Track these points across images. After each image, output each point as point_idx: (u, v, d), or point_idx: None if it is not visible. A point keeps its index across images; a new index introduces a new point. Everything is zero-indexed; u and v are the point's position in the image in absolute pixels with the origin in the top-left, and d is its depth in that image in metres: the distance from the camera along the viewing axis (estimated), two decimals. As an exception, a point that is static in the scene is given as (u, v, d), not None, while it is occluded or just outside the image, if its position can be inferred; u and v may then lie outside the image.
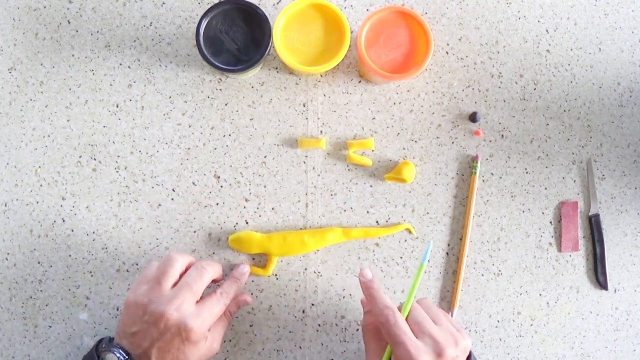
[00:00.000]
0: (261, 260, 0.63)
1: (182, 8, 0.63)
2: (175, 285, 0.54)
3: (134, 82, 0.63)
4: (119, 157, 0.62)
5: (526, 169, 0.64)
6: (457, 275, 0.63)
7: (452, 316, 0.62)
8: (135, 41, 0.63)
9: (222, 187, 0.63)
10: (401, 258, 0.63)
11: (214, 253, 0.62)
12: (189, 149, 0.63)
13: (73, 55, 0.63)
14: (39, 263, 0.62)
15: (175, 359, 0.52)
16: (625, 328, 0.64)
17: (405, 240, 0.63)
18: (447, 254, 0.63)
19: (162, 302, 0.52)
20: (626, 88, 0.65)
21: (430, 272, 0.63)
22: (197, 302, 0.53)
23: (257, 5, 0.57)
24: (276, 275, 0.62)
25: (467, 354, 0.53)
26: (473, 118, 0.63)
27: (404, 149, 0.63)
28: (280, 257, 0.62)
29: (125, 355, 0.52)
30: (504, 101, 0.64)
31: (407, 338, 0.51)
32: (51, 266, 0.62)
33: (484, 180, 0.63)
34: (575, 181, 0.64)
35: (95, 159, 0.63)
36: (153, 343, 0.51)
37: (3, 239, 0.62)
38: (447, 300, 0.63)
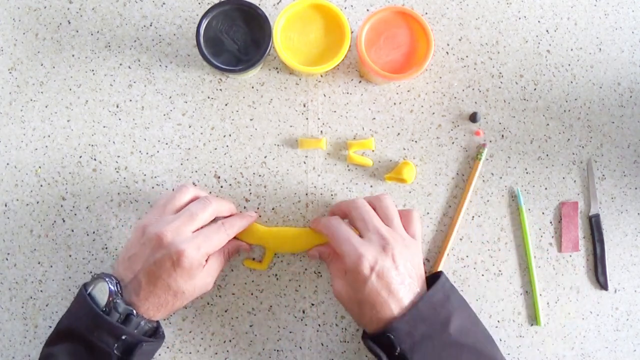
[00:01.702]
0: (255, 257, 0.63)
1: (182, 8, 0.63)
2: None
3: (134, 82, 0.63)
4: (119, 157, 0.62)
5: (526, 169, 0.64)
6: (444, 244, 0.63)
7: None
8: (135, 41, 0.63)
9: (222, 187, 0.63)
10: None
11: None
12: (189, 149, 0.63)
13: (73, 55, 0.63)
14: (39, 263, 0.62)
15: (165, 286, 0.52)
16: (625, 328, 0.64)
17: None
18: (447, 254, 0.63)
19: (160, 224, 0.53)
20: (626, 88, 0.65)
21: (429, 272, 0.63)
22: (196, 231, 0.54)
23: (257, 5, 0.57)
24: (276, 275, 0.62)
25: (420, 265, 0.54)
26: (473, 118, 0.63)
27: (404, 149, 0.63)
28: (277, 252, 0.62)
29: (116, 280, 0.52)
30: (504, 101, 0.64)
31: (349, 235, 0.53)
32: (51, 266, 0.62)
33: (483, 181, 0.63)
34: (575, 181, 0.64)
35: (95, 159, 0.63)
36: (145, 265, 0.52)
37: (3, 239, 0.62)
38: (447, 300, 0.63)
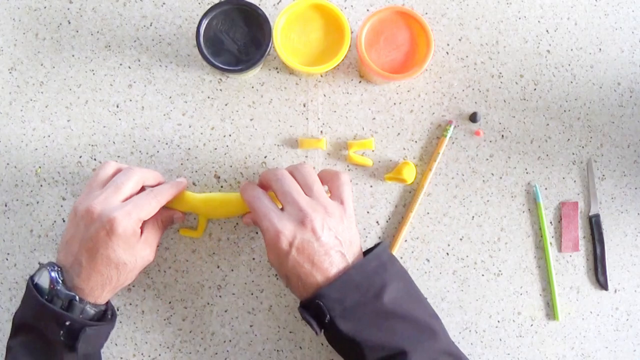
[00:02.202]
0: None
1: (182, 8, 0.63)
2: None
3: (134, 82, 0.63)
4: (119, 157, 0.62)
5: (526, 169, 0.64)
6: (403, 220, 0.63)
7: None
8: (135, 41, 0.63)
9: (222, 187, 0.63)
10: (401, 258, 0.63)
11: None
12: (189, 149, 0.63)
13: (73, 55, 0.63)
14: (39, 263, 0.62)
15: (105, 258, 0.52)
16: (625, 328, 0.64)
17: (405, 240, 0.63)
18: (447, 253, 0.63)
19: (87, 199, 0.53)
20: (626, 88, 0.65)
21: (430, 272, 0.63)
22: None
23: (257, 5, 0.57)
24: (276, 275, 0.62)
25: (348, 231, 0.53)
26: (473, 118, 0.63)
27: (404, 149, 0.63)
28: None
29: (57, 267, 0.52)
30: (504, 101, 0.64)
31: (268, 210, 0.52)
32: (51, 266, 0.62)
33: (483, 180, 0.63)
34: (575, 181, 0.64)
35: (95, 159, 0.62)
36: (81, 244, 0.52)
37: (3, 239, 0.62)
38: (448, 301, 0.63)
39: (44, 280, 0.52)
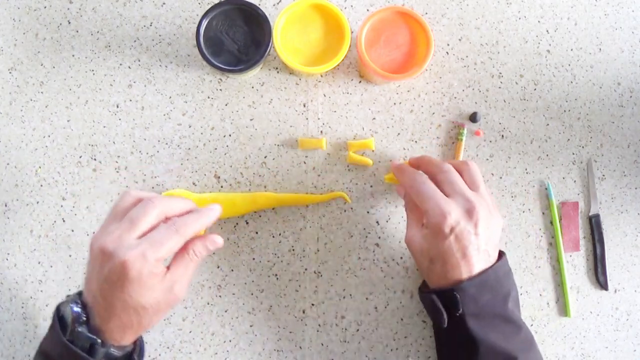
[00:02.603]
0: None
1: (182, 8, 0.63)
2: None
3: (134, 82, 0.63)
4: (119, 157, 0.62)
5: (526, 169, 0.64)
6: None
7: None
8: (135, 41, 0.63)
9: (222, 187, 0.63)
10: (401, 258, 0.63)
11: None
12: (189, 149, 0.63)
13: (73, 55, 0.63)
14: (39, 263, 0.62)
15: (122, 303, 0.47)
16: (625, 328, 0.64)
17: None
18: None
19: (102, 236, 0.47)
20: (626, 88, 0.65)
21: (430, 272, 0.63)
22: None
23: (257, 5, 0.57)
24: (276, 275, 0.62)
25: (497, 234, 0.54)
26: (473, 118, 0.63)
27: (404, 149, 0.63)
28: None
29: (80, 305, 0.48)
30: (504, 101, 0.64)
31: (435, 193, 0.53)
32: (51, 266, 0.62)
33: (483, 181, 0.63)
34: (575, 181, 0.64)
35: (95, 159, 0.63)
36: (98, 285, 0.47)
37: (3, 239, 0.62)
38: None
39: (67, 315, 0.48)
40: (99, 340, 0.48)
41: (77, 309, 0.48)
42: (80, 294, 0.50)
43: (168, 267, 0.49)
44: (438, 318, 0.52)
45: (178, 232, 0.48)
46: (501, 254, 0.56)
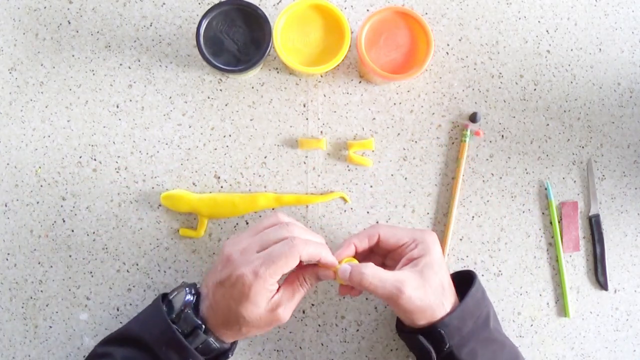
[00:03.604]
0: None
1: (182, 8, 0.63)
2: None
3: (134, 82, 0.63)
4: (119, 157, 0.62)
5: (526, 169, 0.64)
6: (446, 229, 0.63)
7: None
8: (135, 41, 0.63)
9: (222, 187, 0.63)
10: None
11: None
12: (189, 149, 0.63)
13: (73, 55, 0.63)
14: (39, 263, 0.62)
15: (227, 306, 0.50)
16: (625, 328, 0.64)
17: (405, 240, 0.63)
18: (447, 253, 0.63)
19: (233, 244, 0.51)
20: (626, 88, 0.65)
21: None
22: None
23: (257, 5, 0.57)
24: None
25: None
26: (473, 118, 0.63)
27: (404, 149, 0.63)
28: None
29: (195, 291, 0.52)
30: (504, 101, 0.64)
31: (398, 230, 0.55)
32: (51, 266, 0.62)
33: (483, 181, 0.63)
34: (575, 181, 0.64)
35: (95, 159, 0.63)
36: (214, 283, 0.51)
37: (3, 239, 0.62)
38: (447, 300, 0.63)
39: (178, 299, 0.52)
40: (203, 326, 0.51)
41: (190, 297, 0.52)
42: (194, 285, 0.53)
43: (279, 287, 0.51)
44: (425, 356, 0.52)
45: (294, 248, 0.49)
46: (473, 275, 0.55)
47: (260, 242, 0.50)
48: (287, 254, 0.49)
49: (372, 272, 0.50)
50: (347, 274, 0.51)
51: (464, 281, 0.55)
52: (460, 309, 0.51)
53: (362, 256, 0.55)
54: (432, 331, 0.51)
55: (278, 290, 0.51)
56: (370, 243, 0.54)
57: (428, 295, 0.50)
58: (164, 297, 0.53)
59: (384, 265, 0.55)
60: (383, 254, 0.56)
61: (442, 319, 0.51)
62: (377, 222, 0.59)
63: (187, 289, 0.52)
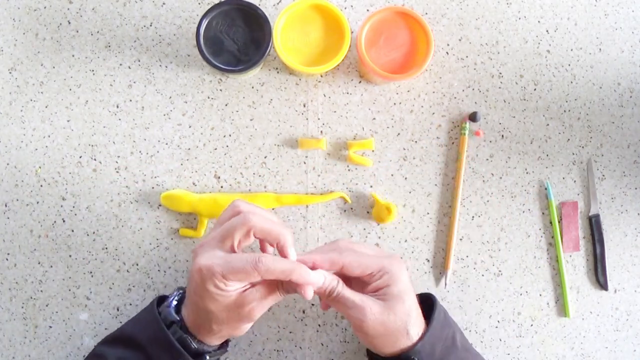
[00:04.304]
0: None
1: (182, 8, 0.63)
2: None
3: (134, 82, 0.63)
4: (119, 157, 0.62)
5: (526, 169, 0.64)
6: (449, 240, 0.63)
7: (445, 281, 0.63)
8: (135, 41, 0.63)
9: (222, 187, 0.63)
10: (401, 258, 0.63)
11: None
12: (189, 149, 0.63)
13: (73, 55, 0.63)
14: (39, 263, 0.62)
15: (196, 302, 0.49)
16: (625, 328, 0.64)
17: (406, 241, 0.63)
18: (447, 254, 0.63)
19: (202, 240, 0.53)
20: (626, 88, 0.65)
21: (430, 272, 0.63)
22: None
23: (257, 5, 0.57)
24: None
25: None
26: (473, 118, 0.63)
27: (404, 149, 0.63)
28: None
29: (180, 294, 0.53)
30: (504, 101, 0.64)
31: (363, 256, 0.52)
32: (51, 266, 0.62)
33: (483, 181, 0.63)
34: (575, 181, 0.64)
35: (95, 159, 0.63)
36: (188, 281, 0.51)
37: (3, 239, 0.62)
38: (448, 301, 0.63)
39: (167, 311, 0.52)
40: (180, 323, 0.51)
41: (174, 300, 0.52)
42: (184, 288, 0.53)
43: (253, 285, 0.49)
44: None
45: (256, 269, 0.47)
46: (430, 297, 0.55)
47: (222, 238, 0.49)
48: (235, 227, 0.48)
49: (341, 288, 0.50)
50: (319, 282, 0.50)
51: (424, 304, 0.54)
52: (429, 334, 0.51)
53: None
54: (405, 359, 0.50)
55: (253, 286, 0.49)
56: (332, 269, 0.51)
57: (391, 322, 0.50)
58: (161, 300, 0.54)
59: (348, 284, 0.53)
60: (347, 278, 0.52)
61: (414, 345, 0.50)
62: (339, 240, 0.53)
63: (177, 291, 0.53)
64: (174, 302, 0.52)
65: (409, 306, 0.51)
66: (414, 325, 0.51)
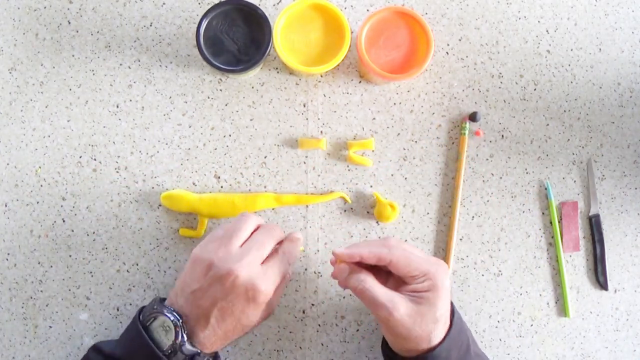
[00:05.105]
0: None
1: (182, 8, 0.63)
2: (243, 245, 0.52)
3: (134, 82, 0.63)
4: (119, 157, 0.62)
5: (526, 169, 0.64)
6: (449, 240, 0.63)
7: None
8: (135, 41, 0.63)
9: (222, 187, 0.63)
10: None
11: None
12: (189, 149, 0.63)
13: (73, 55, 0.63)
14: (39, 263, 0.62)
15: (236, 320, 0.50)
16: (625, 328, 0.64)
17: (406, 241, 0.63)
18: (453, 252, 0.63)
19: (229, 260, 0.49)
20: (626, 88, 0.65)
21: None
22: (263, 262, 0.51)
23: (257, 5, 0.57)
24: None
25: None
26: (473, 118, 0.63)
27: (404, 149, 0.63)
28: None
29: (178, 317, 0.49)
30: (504, 101, 0.64)
31: (412, 255, 0.52)
32: (51, 266, 0.62)
33: (483, 181, 0.63)
34: (575, 181, 0.64)
35: (95, 159, 0.63)
36: (215, 302, 0.49)
37: (3, 239, 0.62)
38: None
39: (161, 328, 0.49)
40: (200, 351, 0.50)
41: (177, 325, 0.49)
42: (164, 306, 0.50)
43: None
44: None
45: (288, 261, 0.53)
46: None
47: (261, 252, 0.51)
48: (285, 267, 0.52)
49: (370, 285, 0.51)
50: (344, 274, 0.52)
51: None
52: (448, 340, 0.51)
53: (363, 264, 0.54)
54: None
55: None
56: (378, 263, 0.52)
57: (416, 326, 0.50)
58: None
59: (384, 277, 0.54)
60: (387, 270, 0.54)
61: (431, 349, 0.50)
62: (390, 237, 0.55)
63: (168, 315, 0.49)
64: (184, 337, 0.49)
65: (440, 316, 0.50)
66: (439, 330, 0.51)
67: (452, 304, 0.55)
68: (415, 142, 0.63)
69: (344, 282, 0.52)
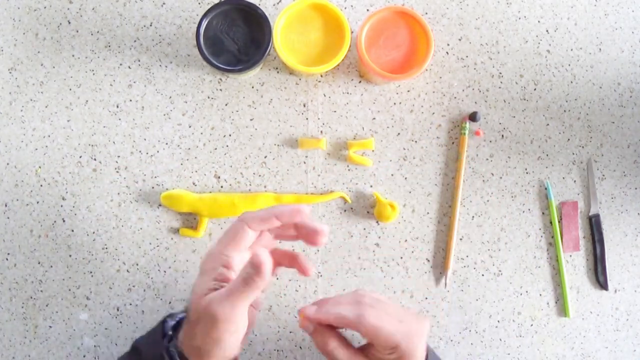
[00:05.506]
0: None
1: (182, 8, 0.63)
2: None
3: (134, 82, 0.63)
4: (119, 157, 0.62)
5: (526, 169, 0.64)
6: (449, 240, 0.63)
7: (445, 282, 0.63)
8: (135, 41, 0.63)
9: (222, 187, 0.63)
10: (401, 258, 0.63)
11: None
12: (189, 149, 0.63)
13: (73, 55, 0.63)
14: (39, 263, 0.62)
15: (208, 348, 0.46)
16: (625, 328, 0.64)
17: (406, 240, 0.63)
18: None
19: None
20: (626, 88, 0.65)
21: (430, 272, 0.63)
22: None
23: (257, 5, 0.57)
24: (276, 275, 0.62)
25: None
26: (473, 118, 0.63)
27: (404, 149, 0.63)
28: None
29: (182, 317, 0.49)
30: (504, 101, 0.64)
31: (392, 313, 0.49)
32: (51, 266, 0.62)
33: (483, 181, 0.63)
34: (575, 181, 0.64)
35: (95, 159, 0.63)
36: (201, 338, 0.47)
37: (3, 239, 0.62)
38: (448, 301, 0.63)
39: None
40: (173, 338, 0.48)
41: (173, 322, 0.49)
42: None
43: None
44: None
45: (241, 220, 0.46)
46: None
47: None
48: (233, 228, 0.47)
49: (333, 347, 0.49)
50: (309, 331, 0.50)
51: None
52: None
53: None
54: None
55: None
56: (348, 327, 0.48)
57: None
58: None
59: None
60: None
61: None
62: (362, 293, 0.50)
63: (179, 315, 0.50)
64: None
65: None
66: None
67: (428, 349, 0.51)
68: (415, 142, 0.63)
69: (311, 334, 0.50)
